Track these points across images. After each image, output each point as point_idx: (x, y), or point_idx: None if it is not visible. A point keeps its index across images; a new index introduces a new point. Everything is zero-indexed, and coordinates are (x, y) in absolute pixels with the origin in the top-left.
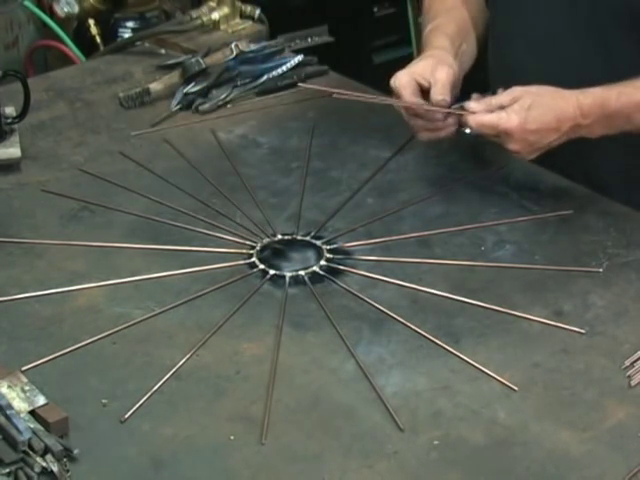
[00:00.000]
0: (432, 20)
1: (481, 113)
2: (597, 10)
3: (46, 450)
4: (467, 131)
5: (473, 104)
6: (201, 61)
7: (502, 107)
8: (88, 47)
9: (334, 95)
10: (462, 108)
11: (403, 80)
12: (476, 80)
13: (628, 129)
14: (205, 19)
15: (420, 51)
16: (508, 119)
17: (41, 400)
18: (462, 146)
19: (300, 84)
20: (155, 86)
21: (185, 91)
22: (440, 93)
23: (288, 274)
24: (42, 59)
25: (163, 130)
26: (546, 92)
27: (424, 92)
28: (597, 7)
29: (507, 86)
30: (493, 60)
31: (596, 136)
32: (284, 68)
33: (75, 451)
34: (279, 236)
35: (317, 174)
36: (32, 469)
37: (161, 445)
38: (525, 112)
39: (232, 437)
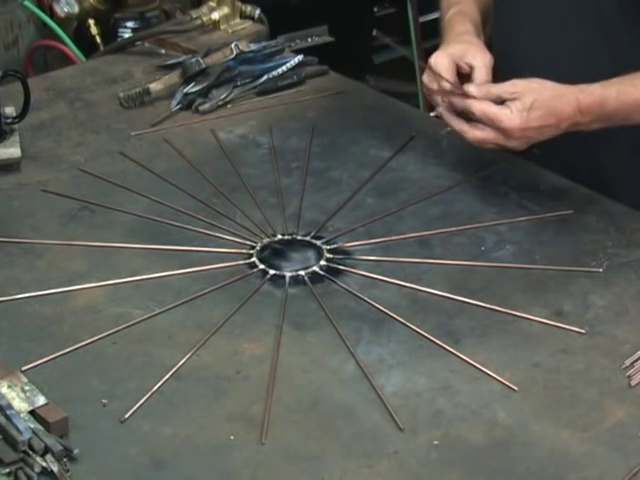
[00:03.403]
0: (455, 4)
1: (486, 102)
2: (602, 1)
3: (46, 450)
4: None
5: (473, 88)
6: (201, 61)
7: (501, 98)
8: (88, 47)
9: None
10: (461, 89)
11: (444, 63)
12: None
13: (626, 125)
14: (205, 19)
15: (441, 40)
16: (511, 118)
17: (41, 400)
18: (462, 146)
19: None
20: (155, 86)
21: (185, 91)
22: (484, 78)
23: (288, 274)
24: (42, 59)
25: (163, 130)
26: (547, 90)
27: (463, 76)
28: None
29: (511, 75)
30: (497, 48)
31: (592, 130)
32: (284, 68)
33: (75, 451)
34: (279, 236)
35: (317, 174)
36: (32, 469)
37: (161, 445)
38: (527, 112)
39: (232, 437)
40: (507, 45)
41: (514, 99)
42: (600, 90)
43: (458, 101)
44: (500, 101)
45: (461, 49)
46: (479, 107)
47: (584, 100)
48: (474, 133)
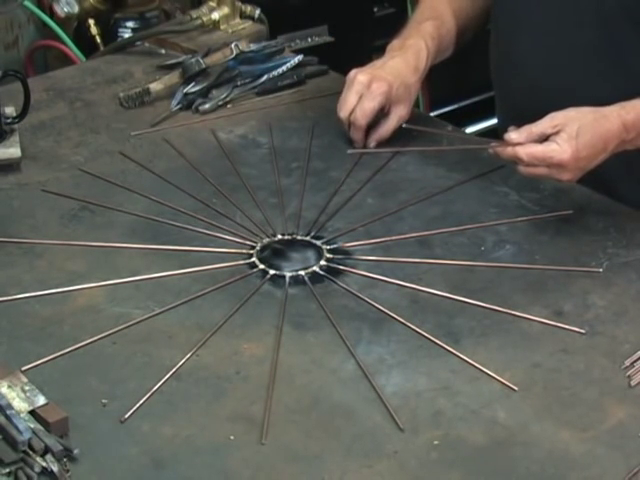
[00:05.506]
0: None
1: (530, 145)
2: (604, 2)
3: (46, 450)
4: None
5: (514, 135)
6: (201, 61)
7: (544, 135)
8: (88, 47)
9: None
10: (502, 141)
11: (364, 123)
12: (480, 74)
13: None
14: (205, 19)
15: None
16: (561, 151)
17: (41, 400)
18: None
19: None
20: (155, 86)
21: (185, 91)
22: (390, 130)
23: (288, 274)
24: (42, 59)
25: (163, 130)
26: (587, 114)
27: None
28: None
29: (511, 75)
30: (495, 55)
31: (637, 148)
32: (284, 68)
33: (75, 451)
34: (279, 236)
35: (317, 174)
36: (32, 469)
37: (161, 445)
38: (575, 141)
39: (232, 437)
40: (507, 46)
41: (558, 132)
42: None
43: (502, 151)
44: (543, 138)
45: (388, 91)
46: (525, 152)
47: (627, 116)
48: (527, 170)
